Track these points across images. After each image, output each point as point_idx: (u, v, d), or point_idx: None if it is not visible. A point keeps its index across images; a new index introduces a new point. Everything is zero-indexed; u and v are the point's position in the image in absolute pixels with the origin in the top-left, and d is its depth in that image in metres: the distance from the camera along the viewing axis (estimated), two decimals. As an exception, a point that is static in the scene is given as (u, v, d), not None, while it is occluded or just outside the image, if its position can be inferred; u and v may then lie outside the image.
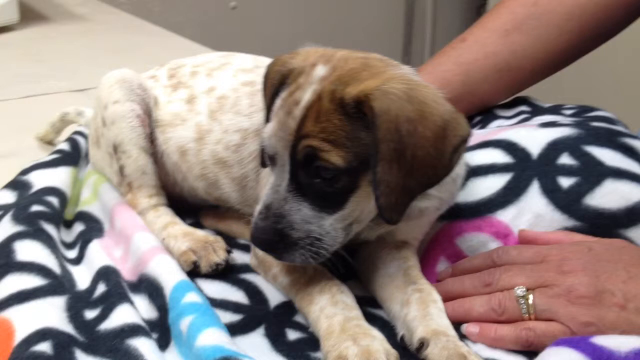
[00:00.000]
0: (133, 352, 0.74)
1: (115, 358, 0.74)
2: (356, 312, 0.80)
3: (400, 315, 0.82)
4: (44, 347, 0.73)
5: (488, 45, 1.17)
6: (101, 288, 0.86)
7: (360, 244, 0.92)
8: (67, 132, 1.27)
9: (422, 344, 0.76)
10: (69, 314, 0.80)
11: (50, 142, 1.31)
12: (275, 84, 0.83)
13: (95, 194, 1.08)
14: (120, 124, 1.02)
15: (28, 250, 0.87)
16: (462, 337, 0.80)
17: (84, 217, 1.04)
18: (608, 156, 0.92)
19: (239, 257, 0.97)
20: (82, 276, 0.90)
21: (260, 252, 0.88)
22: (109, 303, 0.82)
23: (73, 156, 1.14)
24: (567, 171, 0.91)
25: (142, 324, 0.79)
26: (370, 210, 0.82)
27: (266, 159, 0.84)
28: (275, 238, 0.78)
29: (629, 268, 0.78)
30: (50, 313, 0.78)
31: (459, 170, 0.90)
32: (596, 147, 0.94)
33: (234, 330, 0.81)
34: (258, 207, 0.80)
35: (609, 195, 0.89)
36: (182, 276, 0.86)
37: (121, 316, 0.80)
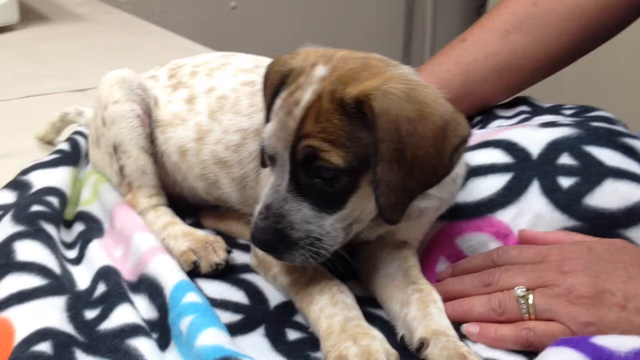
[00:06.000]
0: (133, 352, 0.74)
1: (115, 358, 0.74)
2: (356, 312, 0.80)
3: (400, 315, 0.82)
4: (44, 347, 0.73)
5: (488, 45, 1.17)
6: (101, 288, 0.86)
7: (360, 244, 0.92)
8: (67, 132, 1.27)
9: (422, 344, 0.76)
10: (69, 314, 0.80)
11: (50, 142, 1.31)
12: (275, 84, 0.83)
13: (95, 194, 1.08)
14: (120, 124, 1.02)
15: (28, 250, 0.87)
16: (462, 337, 0.80)
17: (84, 217, 1.04)
18: (608, 156, 0.92)
19: (239, 257, 0.97)
20: (82, 276, 0.90)
21: (260, 252, 0.88)
22: (109, 303, 0.83)
23: (73, 156, 1.14)
24: (567, 171, 0.91)
25: (142, 324, 0.79)
26: (370, 210, 0.82)
27: (266, 159, 0.84)
28: (275, 238, 0.78)
29: (629, 268, 0.78)
30: (50, 313, 0.78)
31: (459, 170, 0.90)
32: (596, 147, 0.94)
33: (234, 330, 0.81)
34: (258, 207, 0.80)
35: (609, 195, 0.89)
36: (182, 276, 0.86)
37: (121, 316, 0.80)
